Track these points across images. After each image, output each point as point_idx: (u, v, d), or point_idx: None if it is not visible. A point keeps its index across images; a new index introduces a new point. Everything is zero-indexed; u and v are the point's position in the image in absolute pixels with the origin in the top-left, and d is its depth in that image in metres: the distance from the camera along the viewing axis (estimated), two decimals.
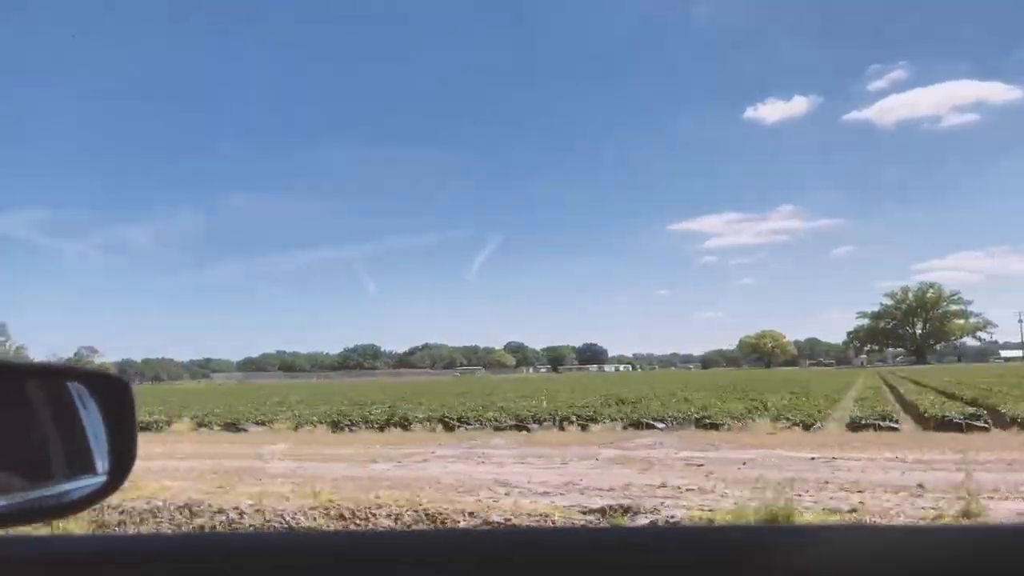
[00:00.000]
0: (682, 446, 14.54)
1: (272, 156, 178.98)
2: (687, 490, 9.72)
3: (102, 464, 1.17)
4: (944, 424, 17.82)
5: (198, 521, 8.77)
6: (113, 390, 1.20)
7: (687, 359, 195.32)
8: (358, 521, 8.43)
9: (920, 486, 9.42)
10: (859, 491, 9.33)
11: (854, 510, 8.32)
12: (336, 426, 21.82)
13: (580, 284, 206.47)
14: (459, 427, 20.33)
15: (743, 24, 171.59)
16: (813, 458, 12.31)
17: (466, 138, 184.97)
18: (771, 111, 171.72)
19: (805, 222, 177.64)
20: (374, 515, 8.55)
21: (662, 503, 8.91)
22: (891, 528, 0.81)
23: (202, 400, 39.88)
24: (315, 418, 23.48)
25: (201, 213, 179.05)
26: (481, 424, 20.63)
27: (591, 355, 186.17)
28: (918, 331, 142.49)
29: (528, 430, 19.42)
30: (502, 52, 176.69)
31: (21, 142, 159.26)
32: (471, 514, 8.45)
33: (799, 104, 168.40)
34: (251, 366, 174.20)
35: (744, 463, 11.95)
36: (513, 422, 20.46)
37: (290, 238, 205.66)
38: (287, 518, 8.55)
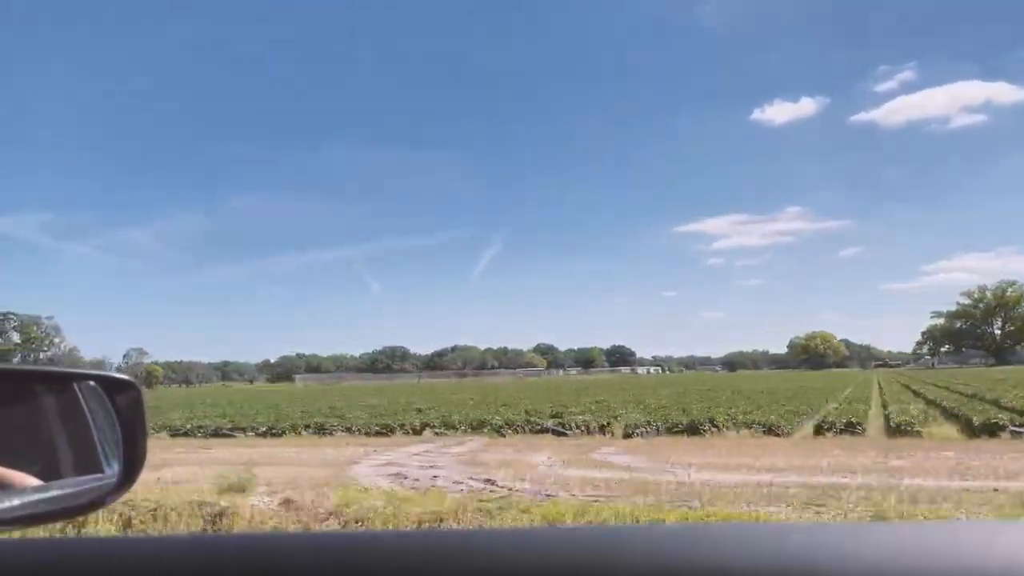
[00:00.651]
0: None
1: (275, 157, 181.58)
2: None
3: (112, 466, 1.18)
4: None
5: None
6: (124, 392, 1.21)
7: (705, 361, 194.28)
8: None
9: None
10: None
11: None
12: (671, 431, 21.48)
13: (584, 285, 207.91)
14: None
15: (750, 25, 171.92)
16: None
17: (470, 139, 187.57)
18: (778, 112, 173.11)
19: (812, 223, 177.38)
20: None
21: None
22: (880, 526, 0.81)
23: (388, 405, 36.02)
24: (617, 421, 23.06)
25: (202, 214, 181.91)
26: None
27: (619, 357, 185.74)
28: (996, 331, 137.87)
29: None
30: (506, 53, 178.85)
31: (23, 143, 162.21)
32: None
33: (807, 105, 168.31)
34: (276, 369, 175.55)
35: None
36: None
37: (292, 239, 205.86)
38: None
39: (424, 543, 0.90)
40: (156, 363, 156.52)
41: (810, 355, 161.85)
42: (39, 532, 1.28)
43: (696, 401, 31.59)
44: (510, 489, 10.75)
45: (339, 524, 8.29)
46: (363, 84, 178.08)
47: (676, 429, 21.36)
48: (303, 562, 0.88)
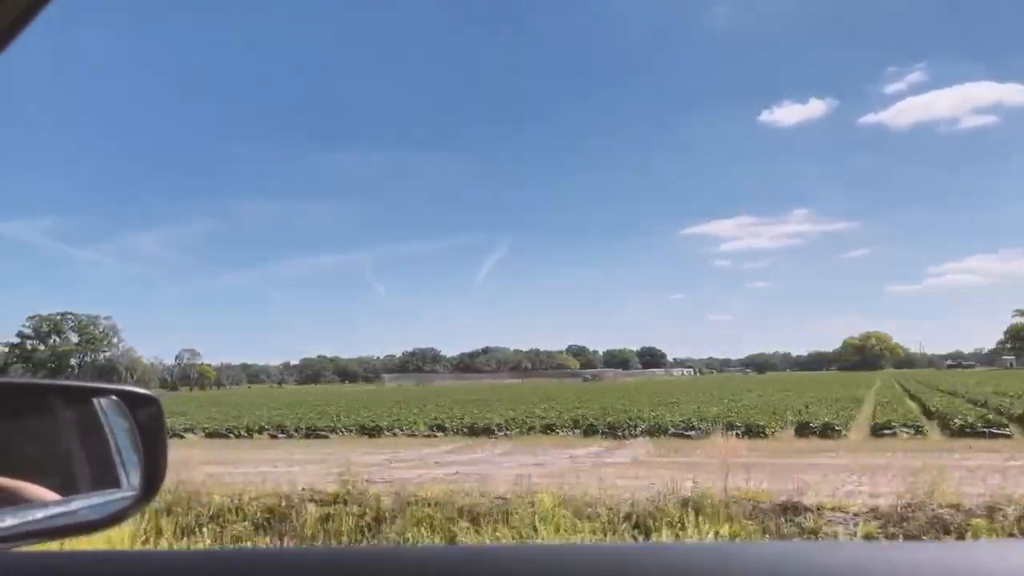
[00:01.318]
0: None
1: (281, 161, 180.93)
2: None
3: (131, 480, 1.18)
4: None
5: None
6: (144, 407, 1.21)
7: (725, 363, 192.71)
8: None
9: None
10: None
11: None
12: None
13: (591, 288, 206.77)
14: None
15: (759, 27, 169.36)
16: None
17: (477, 142, 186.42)
18: (787, 114, 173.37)
19: (819, 225, 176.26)
20: None
21: None
22: (898, 545, 0.79)
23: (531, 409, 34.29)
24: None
25: (211, 219, 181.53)
26: None
27: (650, 358, 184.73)
28: None
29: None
30: (513, 55, 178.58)
31: (30, 148, 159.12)
32: None
33: (815, 107, 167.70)
34: (303, 371, 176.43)
35: None
36: None
37: (300, 243, 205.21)
38: None
39: (438, 557, 0.89)
40: (209, 365, 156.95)
41: (865, 356, 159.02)
42: (58, 546, 1.29)
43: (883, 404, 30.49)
44: None
45: None
46: (371, 88, 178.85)
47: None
48: None
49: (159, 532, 9.32)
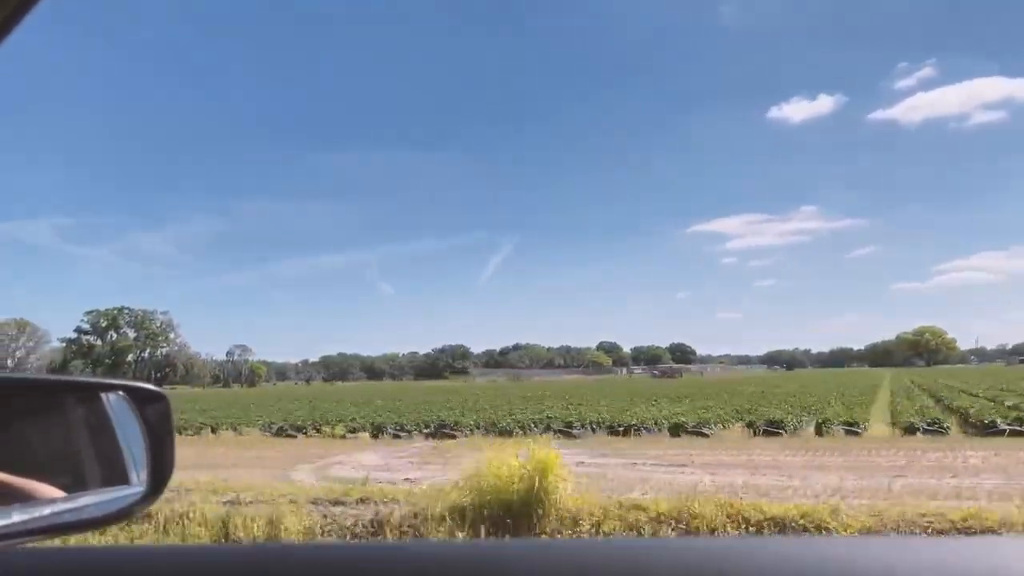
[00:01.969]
0: None
1: (288, 162, 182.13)
2: None
3: (139, 476, 1.18)
4: None
5: None
6: (152, 403, 1.21)
7: (744, 360, 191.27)
8: None
9: None
10: None
11: None
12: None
13: (596, 285, 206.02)
14: None
15: (767, 23, 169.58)
16: None
17: (482, 142, 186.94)
18: (796, 111, 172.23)
19: (826, 223, 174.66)
20: None
21: None
22: (919, 540, 0.79)
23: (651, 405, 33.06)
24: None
25: (216, 219, 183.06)
26: None
27: (680, 355, 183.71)
28: None
29: None
30: (518, 54, 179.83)
31: (38, 148, 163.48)
32: None
33: (824, 103, 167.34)
34: (330, 368, 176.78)
35: None
36: None
37: (304, 243, 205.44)
38: None
39: (413, 555, 0.88)
40: (259, 362, 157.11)
41: (919, 351, 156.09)
42: (66, 542, 1.30)
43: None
44: None
45: None
46: (375, 88, 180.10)
47: None
48: (310, 573, 0.86)
49: None
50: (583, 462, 14.53)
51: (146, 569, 0.99)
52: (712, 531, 8.33)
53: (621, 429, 23.47)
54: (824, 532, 8.01)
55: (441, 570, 0.82)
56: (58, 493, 1.07)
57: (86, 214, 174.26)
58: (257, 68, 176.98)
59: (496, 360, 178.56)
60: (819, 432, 21.71)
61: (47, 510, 1.04)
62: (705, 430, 22.44)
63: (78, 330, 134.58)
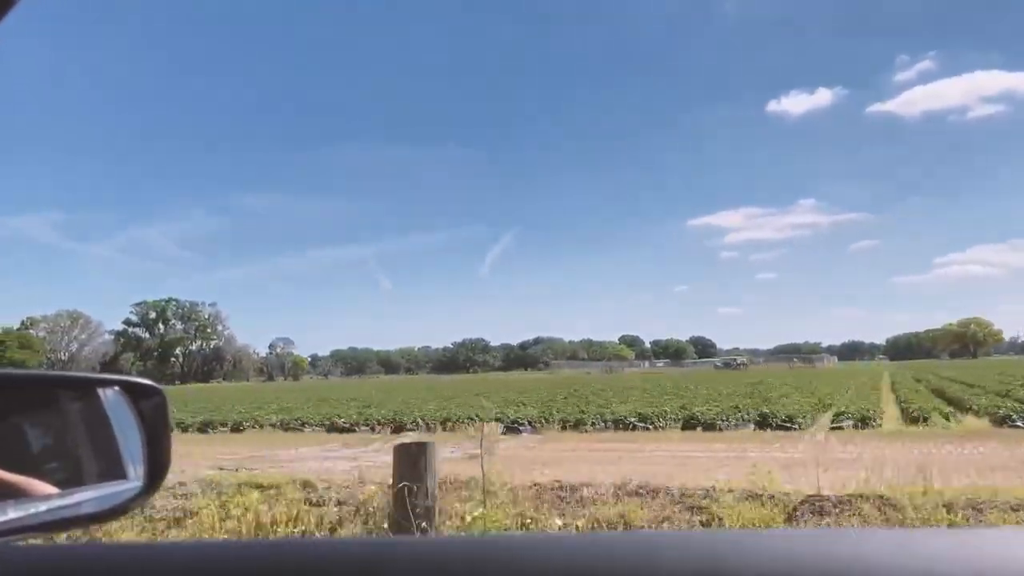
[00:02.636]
0: None
1: (287, 157, 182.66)
2: None
3: (136, 471, 1.17)
4: None
5: None
6: (148, 397, 1.20)
7: (755, 353, 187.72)
8: None
9: None
10: None
11: None
12: None
13: (597, 280, 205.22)
14: None
15: (767, 16, 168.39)
16: None
17: (482, 135, 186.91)
18: (795, 104, 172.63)
19: (826, 216, 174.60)
20: None
21: None
22: (884, 532, 0.78)
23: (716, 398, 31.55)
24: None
25: (215, 214, 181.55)
26: None
27: (701, 348, 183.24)
28: None
29: None
30: (519, 49, 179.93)
31: (37, 143, 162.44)
32: None
33: (823, 96, 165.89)
34: (347, 361, 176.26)
35: None
36: None
37: (305, 237, 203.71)
38: None
39: (409, 550, 0.86)
40: (301, 355, 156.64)
41: (964, 343, 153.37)
42: (62, 538, 1.30)
43: None
44: None
45: None
46: (378, 83, 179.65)
47: None
48: (313, 568, 0.85)
49: None
50: None
51: (143, 565, 0.98)
52: None
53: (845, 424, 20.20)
54: None
55: (443, 564, 0.81)
56: (53, 489, 1.07)
57: (84, 210, 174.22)
58: (256, 63, 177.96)
59: (516, 354, 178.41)
60: None
61: (43, 506, 1.04)
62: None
63: (126, 322, 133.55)
